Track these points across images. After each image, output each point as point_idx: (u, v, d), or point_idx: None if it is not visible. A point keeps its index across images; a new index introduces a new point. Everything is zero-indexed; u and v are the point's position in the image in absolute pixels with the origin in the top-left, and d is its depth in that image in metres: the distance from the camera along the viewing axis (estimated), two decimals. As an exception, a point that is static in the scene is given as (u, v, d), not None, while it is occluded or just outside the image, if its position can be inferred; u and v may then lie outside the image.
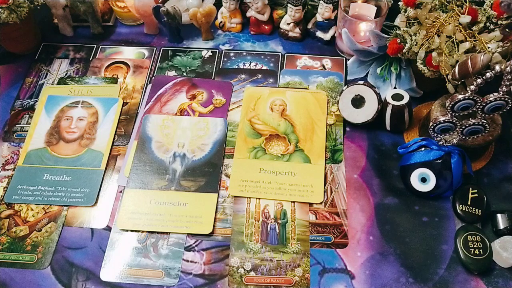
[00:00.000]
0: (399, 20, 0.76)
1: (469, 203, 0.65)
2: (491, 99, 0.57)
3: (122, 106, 0.79)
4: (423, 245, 0.64)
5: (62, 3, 0.86)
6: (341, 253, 0.63)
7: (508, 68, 0.55)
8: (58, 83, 0.83)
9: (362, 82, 0.72)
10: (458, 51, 0.61)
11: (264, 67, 0.84)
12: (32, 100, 0.80)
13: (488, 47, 0.60)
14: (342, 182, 0.70)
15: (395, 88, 0.77)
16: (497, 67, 0.55)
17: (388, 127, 0.73)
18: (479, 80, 0.56)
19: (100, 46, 0.88)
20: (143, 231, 0.65)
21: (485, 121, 0.60)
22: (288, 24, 0.86)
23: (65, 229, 0.66)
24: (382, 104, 0.72)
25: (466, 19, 0.61)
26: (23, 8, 0.77)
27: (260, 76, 0.83)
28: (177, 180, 0.69)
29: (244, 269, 0.62)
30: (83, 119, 0.77)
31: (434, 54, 0.63)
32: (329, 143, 0.74)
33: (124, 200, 0.68)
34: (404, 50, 0.67)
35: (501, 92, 0.57)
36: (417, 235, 0.65)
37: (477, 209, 0.65)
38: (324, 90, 0.80)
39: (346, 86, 0.73)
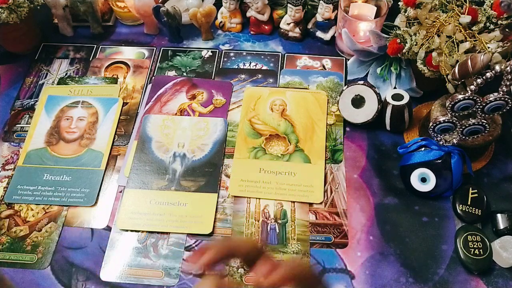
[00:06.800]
0: (399, 20, 0.76)
1: (469, 203, 0.65)
2: (491, 99, 0.57)
3: (122, 106, 0.79)
4: (423, 245, 0.64)
5: (62, 3, 0.86)
6: (341, 253, 0.63)
7: (508, 68, 0.55)
8: (58, 83, 0.83)
9: (362, 82, 0.72)
10: (458, 51, 0.61)
11: (264, 67, 0.84)
12: (32, 100, 0.80)
13: (488, 47, 0.60)
14: (342, 182, 0.70)
15: (395, 88, 0.77)
16: (497, 67, 0.55)
17: (388, 127, 0.73)
18: (479, 80, 0.56)
19: (100, 46, 0.88)
20: (143, 231, 0.65)
21: (485, 121, 0.60)
22: (288, 24, 0.86)
23: (65, 229, 0.66)
24: (382, 104, 0.72)
25: (466, 19, 0.61)
26: (23, 8, 0.77)
27: (260, 76, 0.83)
28: (177, 180, 0.69)
29: (244, 269, 0.62)
30: (83, 119, 0.77)
31: (434, 54, 0.63)
32: (329, 143, 0.73)
33: (124, 200, 0.68)
34: (404, 50, 0.67)
35: (501, 92, 0.57)
36: (417, 235, 0.65)
37: (477, 209, 0.65)
38: (324, 90, 0.80)
39: (346, 86, 0.73)
